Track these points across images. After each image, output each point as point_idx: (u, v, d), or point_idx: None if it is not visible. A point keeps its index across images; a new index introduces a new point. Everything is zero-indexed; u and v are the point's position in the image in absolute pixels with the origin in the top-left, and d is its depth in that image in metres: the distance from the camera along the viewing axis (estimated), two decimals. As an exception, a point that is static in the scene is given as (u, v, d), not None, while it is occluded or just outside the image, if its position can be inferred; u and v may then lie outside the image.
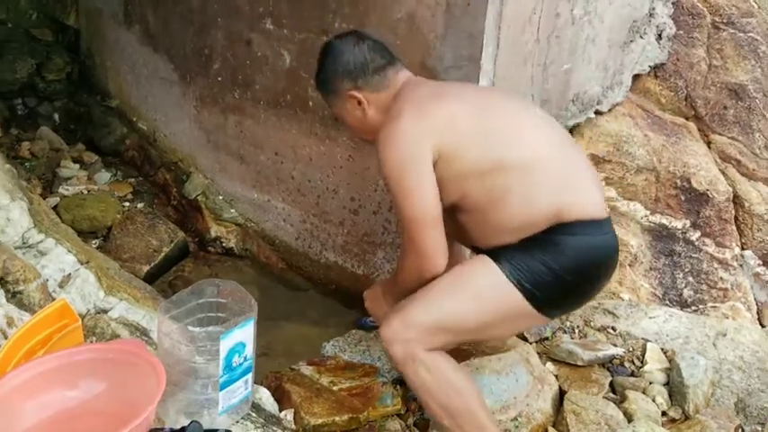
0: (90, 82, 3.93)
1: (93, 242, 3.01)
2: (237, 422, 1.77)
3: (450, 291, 1.90)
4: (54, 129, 3.79)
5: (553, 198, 1.87)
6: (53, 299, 2.01)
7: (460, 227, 1.99)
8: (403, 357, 1.86)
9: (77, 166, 3.51)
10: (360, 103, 2.05)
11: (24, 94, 3.90)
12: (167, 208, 3.43)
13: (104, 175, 3.51)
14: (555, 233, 1.86)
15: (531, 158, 1.91)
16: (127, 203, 3.34)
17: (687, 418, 2.23)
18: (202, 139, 3.37)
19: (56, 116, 3.93)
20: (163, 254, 3.06)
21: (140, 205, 3.36)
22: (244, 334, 1.70)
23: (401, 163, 1.87)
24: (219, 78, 3.19)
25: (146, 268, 2.96)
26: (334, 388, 2.18)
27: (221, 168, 3.33)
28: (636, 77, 3.31)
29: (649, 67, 3.32)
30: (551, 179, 1.91)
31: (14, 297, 1.95)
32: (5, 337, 1.75)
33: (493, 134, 1.93)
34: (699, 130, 3.38)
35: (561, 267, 1.85)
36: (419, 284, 1.92)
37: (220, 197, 3.36)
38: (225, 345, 1.65)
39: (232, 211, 3.33)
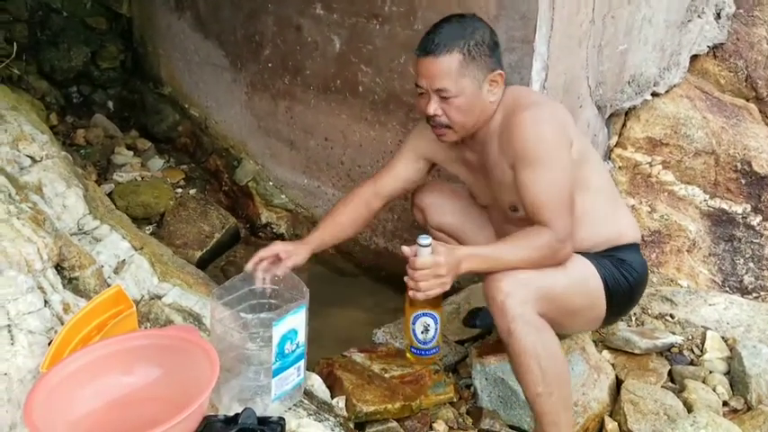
0: (143, 69, 3.97)
1: (147, 228, 3.05)
2: (290, 409, 1.77)
3: (560, 267, 1.91)
4: (108, 116, 3.85)
5: (615, 221, 2.06)
6: (108, 285, 2.04)
7: None
8: (520, 314, 1.80)
9: (131, 152, 3.56)
10: (495, 86, 1.95)
11: (79, 82, 3.96)
12: (219, 194, 3.46)
13: (157, 162, 3.55)
14: (618, 251, 2.03)
15: (604, 182, 2.10)
16: (179, 190, 3.38)
17: (750, 408, 2.16)
18: (253, 126, 3.38)
19: (110, 104, 3.99)
20: (215, 240, 3.08)
21: (192, 191, 3.39)
22: (296, 321, 1.69)
23: (562, 136, 1.90)
24: (270, 64, 3.19)
25: (198, 254, 2.99)
26: (386, 375, 2.16)
27: (272, 154, 3.34)
28: (694, 58, 3.22)
29: (708, 47, 3.23)
30: (614, 203, 2.11)
31: (70, 283, 1.99)
32: (62, 323, 1.77)
33: (586, 149, 2.05)
34: (760, 111, 3.27)
35: (635, 280, 2.03)
36: (540, 266, 1.86)
37: (271, 183, 3.37)
38: (277, 331, 1.64)
39: (282, 196, 3.34)
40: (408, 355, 2.10)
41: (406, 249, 1.82)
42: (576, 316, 2.01)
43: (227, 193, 3.45)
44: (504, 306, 1.80)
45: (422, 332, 1.99)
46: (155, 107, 3.82)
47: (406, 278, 1.82)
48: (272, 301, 1.78)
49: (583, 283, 1.95)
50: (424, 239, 1.79)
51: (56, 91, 3.88)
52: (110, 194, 3.11)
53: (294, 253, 1.98)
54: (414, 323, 1.98)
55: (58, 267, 1.96)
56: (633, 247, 2.08)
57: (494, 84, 1.93)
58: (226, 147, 3.53)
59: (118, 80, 4.04)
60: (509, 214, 2.03)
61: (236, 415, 1.56)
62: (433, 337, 2.01)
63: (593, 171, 2.04)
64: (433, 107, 1.93)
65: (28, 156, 2.33)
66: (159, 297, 2.09)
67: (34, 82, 3.77)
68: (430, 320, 1.97)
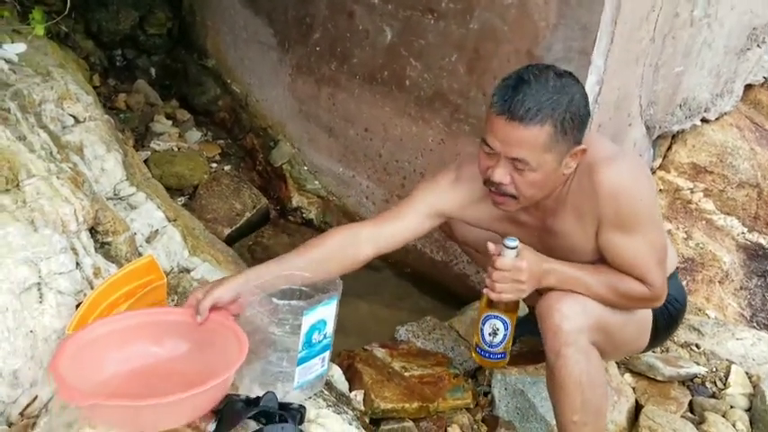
0: (189, 39, 3.96)
1: (179, 200, 3.05)
2: (310, 398, 1.75)
3: None
4: (150, 83, 3.84)
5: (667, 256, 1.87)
6: (140, 254, 2.03)
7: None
8: (574, 340, 1.73)
9: (170, 122, 3.55)
10: (574, 159, 1.69)
11: (125, 46, 3.95)
12: (252, 173, 3.45)
13: (195, 134, 3.54)
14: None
15: None
16: (214, 164, 3.37)
17: (769, 449, 2.13)
18: (294, 108, 3.36)
19: (152, 70, 3.98)
20: (245, 218, 3.08)
21: (227, 168, 3.38)
22: (326, 312, 1.68)
23: (652, 188, 1.80)
24: (318, 48, 3.16)
25: (227, 231, 2.99)
26: (406, 374, 2.15)
27: (309, 139, 3.32)
28: (748, 87, 3.17)
29: (764, 77, 3.18)
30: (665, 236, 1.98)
31: (102, 248, 1.98)
32: (91, 287, 1.77)
33: None
34: (809, 148, 3.21)
35: (677, 311, 2.00)
36: (613, 307, 1.80)
37: (305, 168, 3.36)
38: (307, 321, 1.63)
39: (316, 182, 3.32)
40: (473, 354, 1.97)
41: (491, 246, 1.71)
42: (622, 347, 1.98)
43: (261, 173, 3.45)
44: (559, 329, 1.73)
45: (489, 334, 1.86)
46: (197, 78, 3.81)
47: (485, 275, 1.74)
48: (304, 288, 1.76)
49: (636, 319, 1.89)
50: (511, 242, 1.68)
51: (100, 52, 3.87)
52: (145, 162, 3.10)
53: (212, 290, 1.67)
54: (483, 323, 1.85)
55: (92, 231, 1.95)
56: (674, 275, 2.01)
57: (574, 157, 1.67)
58: (264, 126, 3.52)
59: (163, 47, 4.03)
60: None
61: (258, 397, 1.55)
62: (501, 341, 1.86)
63: None
64: (501, 174, 1.66)
65: (71, 115, 2.31)
66: (188, 271, 2.09)
67: (81, 41, 3.76)
68: (500, 324, 1.83)
